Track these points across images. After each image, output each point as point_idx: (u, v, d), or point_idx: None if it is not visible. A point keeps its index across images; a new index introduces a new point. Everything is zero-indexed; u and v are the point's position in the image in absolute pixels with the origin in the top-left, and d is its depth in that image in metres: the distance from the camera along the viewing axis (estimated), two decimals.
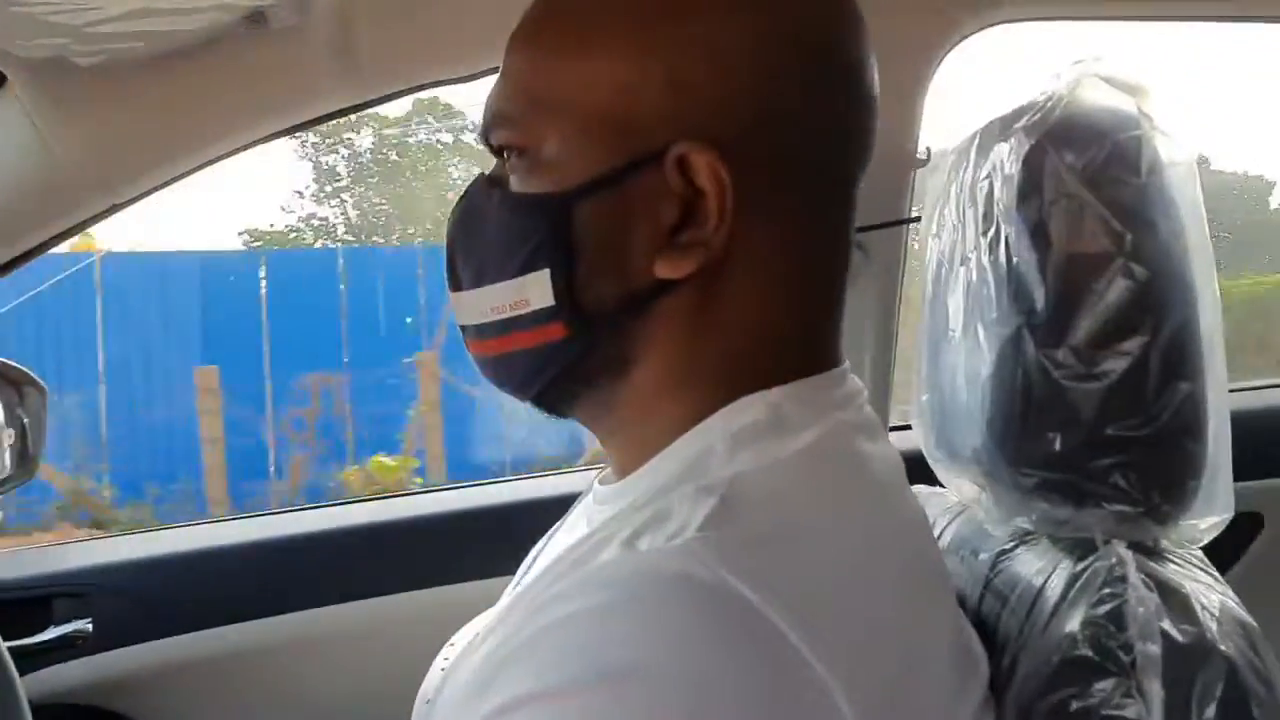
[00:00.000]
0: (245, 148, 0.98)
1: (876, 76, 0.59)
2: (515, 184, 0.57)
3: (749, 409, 0.56)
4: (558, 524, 0.75)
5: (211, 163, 0.97)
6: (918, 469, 0.77)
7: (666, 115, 0.54)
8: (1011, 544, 0.68)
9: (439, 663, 0.79)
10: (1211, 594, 0.56)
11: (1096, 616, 0.54)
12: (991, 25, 1.09)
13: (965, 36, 1.09)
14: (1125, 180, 0.61)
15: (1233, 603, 0.57)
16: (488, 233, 0.59)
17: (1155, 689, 0.52)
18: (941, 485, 0.78)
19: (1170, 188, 0.62)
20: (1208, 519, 0.62)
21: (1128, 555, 0.57)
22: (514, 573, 0.75)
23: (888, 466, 0.59)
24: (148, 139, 0.94)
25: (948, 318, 0.73)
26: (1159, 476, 0.60)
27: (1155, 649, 0.51)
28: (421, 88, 1.04)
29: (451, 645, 0.80)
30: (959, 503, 0.77)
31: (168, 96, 0.92)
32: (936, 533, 0.77)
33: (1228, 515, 0.63)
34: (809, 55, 0.56)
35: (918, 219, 1.01)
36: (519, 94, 0.58)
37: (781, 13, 0.55)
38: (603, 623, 0.45)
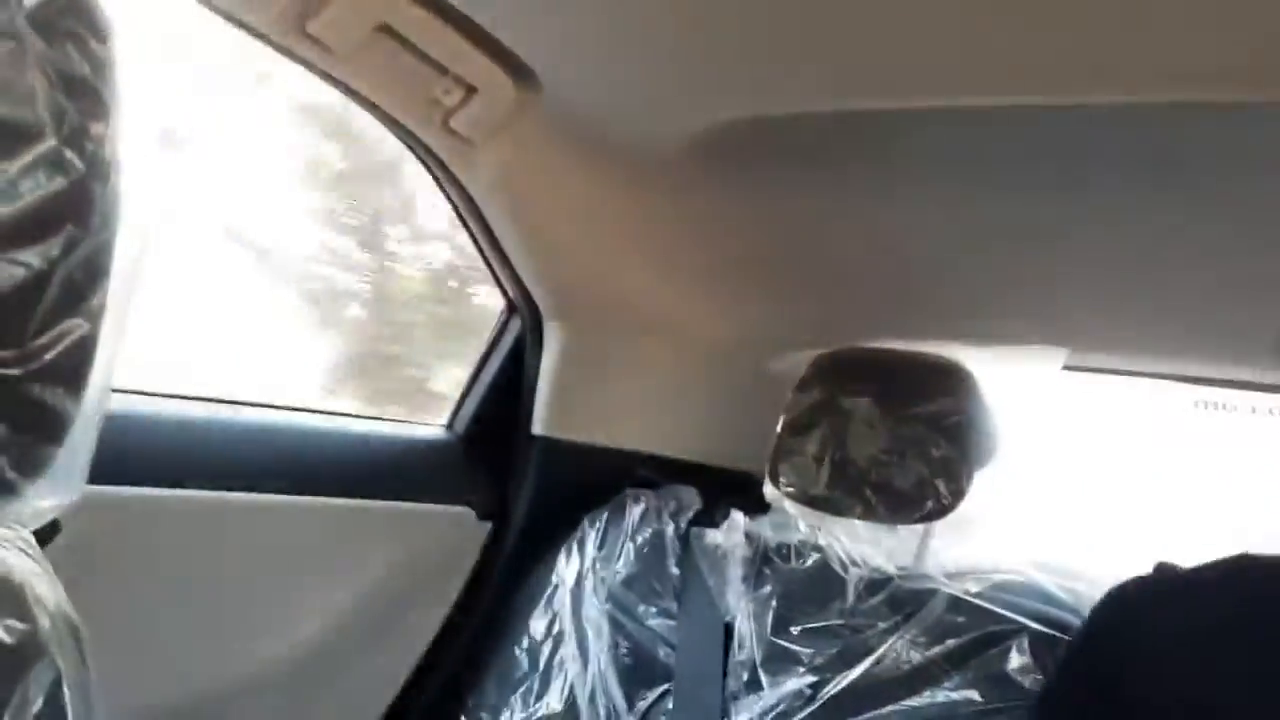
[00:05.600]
0: None
1: None
2: None
3: None
4: None
5: None
6: None
7: None
8: None
9: None
10: (44, 586, 0.43)
11: None
12: None
13: None
14: (85, 40, 0.46)
15: (65, 603, 0.45)
16: None
17: None
18: None
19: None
20: (54, 498, 0.49)
21: None
22: None
23: None
24: None
25: None
26: (19, 433, 0.45)
27: None
28: None
29: None
30: None
31: None
32: None
33: (75, 498, 0.51)
34: None
35: None
36: None
37: None
38: None
